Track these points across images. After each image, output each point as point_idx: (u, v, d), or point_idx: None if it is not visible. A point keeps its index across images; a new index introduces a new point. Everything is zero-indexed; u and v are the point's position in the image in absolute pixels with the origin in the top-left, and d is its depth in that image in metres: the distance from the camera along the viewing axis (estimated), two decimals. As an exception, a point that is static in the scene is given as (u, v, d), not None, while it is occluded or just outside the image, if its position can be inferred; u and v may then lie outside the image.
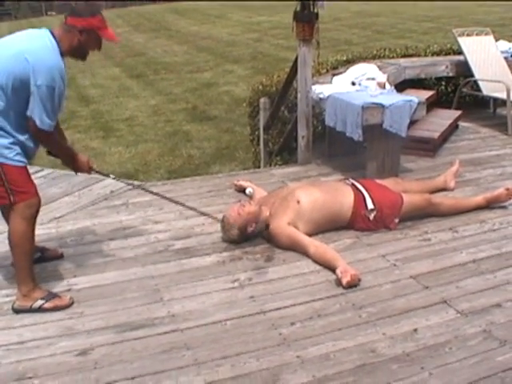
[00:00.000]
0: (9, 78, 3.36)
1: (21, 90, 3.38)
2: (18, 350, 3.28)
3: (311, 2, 5.63)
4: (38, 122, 3.42)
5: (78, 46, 3.57)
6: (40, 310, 3.61)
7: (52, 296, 3.69)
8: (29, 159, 3.65)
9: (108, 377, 3.04)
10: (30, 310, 3.61)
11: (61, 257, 4.33)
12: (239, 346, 3.25)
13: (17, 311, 3.62)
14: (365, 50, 9.18)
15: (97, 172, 4.42)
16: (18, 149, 3.49)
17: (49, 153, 3.93)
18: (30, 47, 3.41)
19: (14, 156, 3.47)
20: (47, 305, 3.63)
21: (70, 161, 4.01)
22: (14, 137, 3.46)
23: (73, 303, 3.70)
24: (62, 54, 3.50)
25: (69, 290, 3.87)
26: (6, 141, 3.44)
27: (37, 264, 3.83)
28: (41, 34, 3.53)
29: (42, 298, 3.64)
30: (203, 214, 4.97)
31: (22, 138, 3.49)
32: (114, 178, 4.97)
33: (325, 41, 7.26)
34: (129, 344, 3.30)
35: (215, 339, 3.31)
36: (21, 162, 3.52)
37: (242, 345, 3.25)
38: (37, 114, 3.40)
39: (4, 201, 3.53)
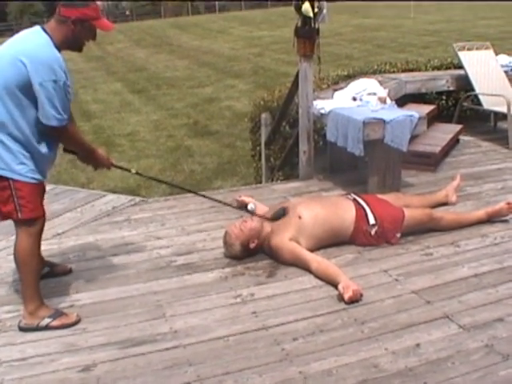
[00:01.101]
0: (11, 86, 3.33)
1: (26, 94, 3.35)
2: (21, 366, 3.27)
3: (312, 18, 5.64)
4: (50, 121, 3.39)
5: (73, 37, 3.51)
6: (47, 328, 3.58)
7: (59, 314, 3.66)
8: (45, 171, 3.63)
9: (111, 393, 3.04)
10: (37, 329, 3.58)
11: (69, 272, 4.32)
12: (242, 361, 3.24)
13: (23, 330, 3.58)
14: (365, 65, 9.24)
15: (118, 167, 4.33)
16: (31, 164, 3.47)
17: (65, 150, 3.87)
18: (22, 49, 3.37)
19: (26, 172, 3.45)
20: (54, 323, 3.60)
21: (89, 156, 3.94)
22: (28, 149, 3.44)
23: (79, 321, 3.68)
24: (58, 48, 3.45)
25: (71, 306, 3.86)
26: (19, 155, 3.42)
27: (42, 280, 3.82)
28: (32, 32, 3.50)
29: (48, 317, 3.61)
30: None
31: (37, 146, 3.47)
32: (136, 173, 4.79)
33: (326, 55, 7.31)
34: (131, 360, 3.29)
35: (218, 355, 3.31)
36: (33, 179, 3.50)
37: (245, 360, 3.25)
38: (47, 112, 3.36)
39: (12, 216, 3.52)
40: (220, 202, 5.33)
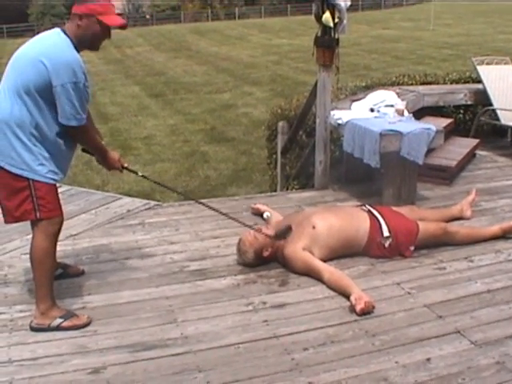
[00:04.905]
0: (30, 86, 3.36)
1: (45, 95, 3.38)
2: (31, 366, 3.28)
3: (332, 28, 5.64)
4: (70, 122, 3.44)
5: (82, 33, 3.51)
6: (58, 328, 3.59)
7: (70, 315, 3.67)
8: (64, 170, 3.66)
9: (120, 396, 3.05)
10: (48, 329, 3.59)
11: (82, 274, 4.33)
12: (251, 369, 3.24)
13: (35, 330, 3.60)
14: (384, 76, 9.23)
15: (128, 170, 4.25)
16: (50, 165, 3.51)
17: (84, 150, 3.90)
18: (42, 50, 3.39)
19: (46, 173, 3.49)
20: (65, 324, 3.61)
21: (102, 157, 3.94)
22: (47, 149, 3.48)
23: (90, 322, 3.69)
24: (77, 49, 3.48)
25: (83, 308, 3.88)
26: (39, 156, 3.46)
27: (54, 281, 3.83)
28: (52, 34, 3.52)
29: (60, 317, 3.62)
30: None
31: (55, 146, 3.51)
32: (142, 176, 4.83)
33: (344, 65, 7.28)
34: (141, 364, 3.30)
35: (228, 362, 3.31)
36: (52, 179, 3.54)
37: (255, 369, 3.25)
38: (67, 113, 3.40)
39: (30, 216, 3.54)
40: (222, 213, 5.13)
